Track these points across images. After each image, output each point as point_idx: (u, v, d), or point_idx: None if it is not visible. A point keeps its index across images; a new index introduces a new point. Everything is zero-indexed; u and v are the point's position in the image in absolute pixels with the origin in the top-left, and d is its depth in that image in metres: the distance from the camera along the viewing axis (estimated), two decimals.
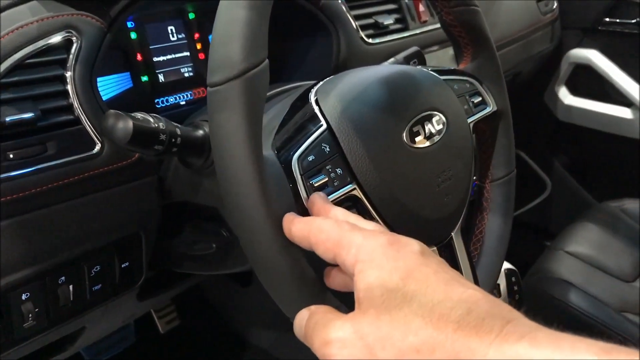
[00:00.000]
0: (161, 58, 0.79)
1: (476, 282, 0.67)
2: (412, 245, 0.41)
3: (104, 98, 0.73)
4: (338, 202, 0.53)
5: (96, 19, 0.63)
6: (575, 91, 1.69)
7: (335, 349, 0.38)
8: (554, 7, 1.58)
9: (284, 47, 0.93)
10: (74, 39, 0.61)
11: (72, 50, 0.61)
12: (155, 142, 0.55)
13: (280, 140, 0.53)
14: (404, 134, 0.58)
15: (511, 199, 0.76)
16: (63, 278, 0.62)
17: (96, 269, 0.65)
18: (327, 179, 0.52)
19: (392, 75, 0.62)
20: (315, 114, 0.56)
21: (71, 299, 0.63)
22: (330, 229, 0.43)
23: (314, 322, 0.41)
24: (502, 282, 0.97)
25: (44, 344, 0.69)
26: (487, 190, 0.76)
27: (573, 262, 1.27)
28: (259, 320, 1.32)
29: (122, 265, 0.68)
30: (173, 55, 0.81)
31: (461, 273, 0.64)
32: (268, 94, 0.70)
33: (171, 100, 0.81)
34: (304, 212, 0.50)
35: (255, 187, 0.45)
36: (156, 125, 0.55)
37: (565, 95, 1.70)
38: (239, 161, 0.45)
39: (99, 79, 0.72)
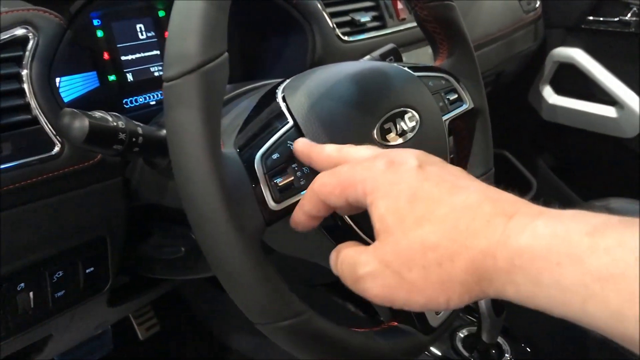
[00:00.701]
0: (129, 57, 0.77)
1: None
2: (409, 160, 0.42)
3: (70, 98, 0.71)
4: None
5: (55, 14, 0.61)
6: (559, 90, 1.68)
7: (369, 283, 0.40)
8: (537, 5, 1.57)
9: (258, 45, 0.91)
10: (30, 35, 0.58)
11: (29, 47, 0.58)
12: (114, 141, 0.53)
13: (244, 138, 0.51)
14: (375, 131, 0.56)
15: None
16: (22, 285, 0.59)
17: (58, 274, 0.62)
18: (292, 177, 0.50)
19: (363, 71, 0.60)
20: (282, 111, 0.54)
21: (32, 306, 0.61)
22: (329, 179, 0.44)
23: (341, 264, 0.43)
24: None
25: (6, 353, 0.66)
26: None
27: None
28: (240, 324, 1.29)
29: (87, 271, 0.65)
30: (142, 54, 0.79)
31: None
32: (237, 91, 0.68)
33: (140, 100, 0.79)
34: (266, 211, 0.48)
35: (212, 187, 0.43)
36: (115, 124, 0.52)
37: (549, 95, 1.69)
38: (194, 159, 0.43)
39: (63, 79, 0.70)
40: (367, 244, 0.54)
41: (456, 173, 0.42)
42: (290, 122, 0.53)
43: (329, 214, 0.47)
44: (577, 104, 1.63)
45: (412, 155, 0.43)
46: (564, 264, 0.32)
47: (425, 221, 0.38)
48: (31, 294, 0.60)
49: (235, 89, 0.71)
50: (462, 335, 1.08)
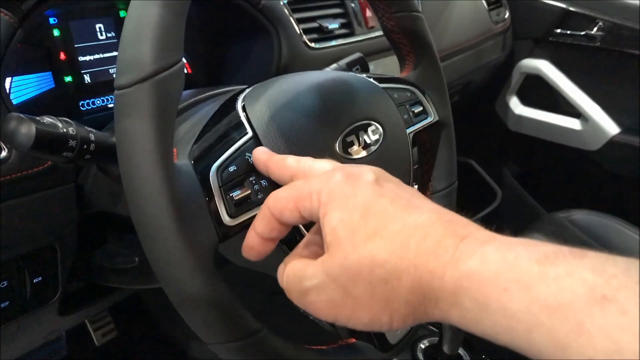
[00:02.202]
0: (87, 58, 0.74)
1: None
2: (366, 175, 0.42)
3: (23, 98, 0.68)
4: None
5: (4, 12, 0.58)
6: (525, 101, 1.70)
7: (313, 297, 0.40)
8: (506, 16, 1.58)
9: (221, 50, 0.89)
10: None
11: None
12: (64, 148, 0.50)
13: (200, 149, 0.49)
14: (337, 144, 0.55)
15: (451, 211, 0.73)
16: None
17: (3, 284, 0.60)
18: (249, 191, 0.48)
19: (326, 82, 0.59)
20: (241, 121, 0.52)
21: None
22: (284, 192, 0.43)
23: (287, 277, 0.42)
24: None
25: None
26: None
27: None
28: None
29: (35, 280, 0.63)
30: (101, 55, 0.76)
31: None
32: (198, 97, 0.66)
33: (98, 102, 0.76)
34: (221, 227, 0.46)
35: (161, 201, 0.41)
36: (64, 130, 0.50)
37: (515, 105, 1.71)
38: (144, 172, 0.41)
39: (16, 78, 0.67)
40: None
41: (412, 192, 0.42)
42: (250, 133, 0.51)
43: (283, 236, 0.46)
44: (542, 115, 1.65)
45: (370, 171, 0.42)
46: (511, 290, 0.31)
47: (376, 236, 0.37)
48: None
49: (197, 94, 0.69)
50: (423, 347, 1.07)
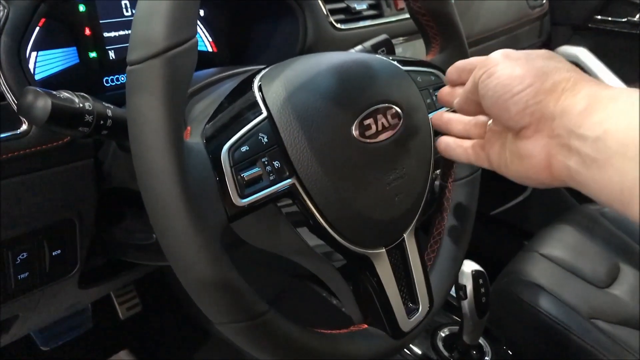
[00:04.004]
0: (112, 34, 0.74)
1: (428, 286, 0.63)
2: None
3: (48, 73, 0.68)
4: (274, 198, 0.49)
5: None
6: None
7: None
8: (544, 1, 1.54)
9: (247, 29, 0.88)
10: (0, 7, 0.56)
11: None
12: (80, 123, 0.50)
13: (213, 129, 0.49)
14: (353, 127, 0.54)
15: (473, 200, 0.72)
16: None
17: (22, 256, 0.61)
18: (261, 171, 0.48)
19: (346, 63, 0.58)
20: (256, 101, 0.51)
21: None
22: (458, 66, 0.57)
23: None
24: (468, 284, 0.93)
25: None
26: (449, 189, 0.72)
27: (546, 265, 1.24)
28: None
29: (54, 253, 0.64)
30: (126, 31, 0.76)
31: (412, 277, 0.61)
32: (218, 76, 0.66)
33: (122, 78, 0.76)
34: (230, 207, 0.46)
35: (170, 180, 0.41)
36: (81, 105, 0.50)
37: None
38: (153, 150, 0.41)
39: (41, 53, 0.67)
40: (338, 243, 0.53)
41: None
42: (264, 114, 0.50)
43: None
44: None
45: None
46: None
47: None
48: None
49: (218, 73, 0.68)
50: (443, 335, 1.06)
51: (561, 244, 1.30)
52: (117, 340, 1.35)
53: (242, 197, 0.47)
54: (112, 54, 0.75)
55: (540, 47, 1.57)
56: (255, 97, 0.51)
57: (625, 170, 0.38)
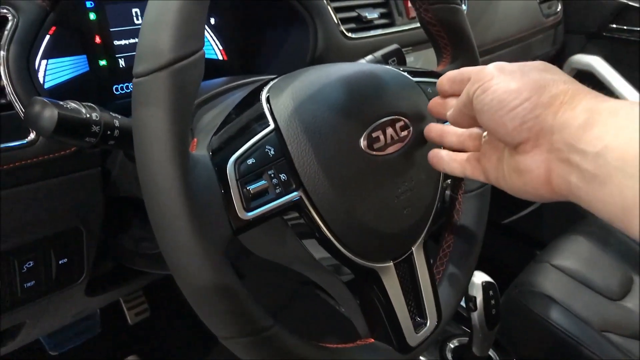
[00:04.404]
0: (123, 42, 0.75)
1: (437, 300, 0.62)
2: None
3: (57, 81, 0.68)
4: (280, 211, 0.49)
5: None
6: None
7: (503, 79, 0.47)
8: (558, 9, 1.53)
9: (257, 38, 0.88)
10: (9, 16, 0.56)
11: (7, 28, 0.56)
12: (86, 134, 0.50)
13: (219, 141, 0.48)
14: (361, 139, 0.53)
15: (484, 212, 0.71)
16: None
17: (29, 264, 0.61)
18: (267, 184, 0.48)
19: (355, 74, 0.57)
20: (264, 112, 0.51)
21: None
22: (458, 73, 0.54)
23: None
24: (479, 295, 0.92)
25: None
26: (460, 201, 0.71)
27: (558, 276, 1.22)
28: None
29: (60, 262, 0.63)
30: (136, 40, 0.75)
31: (420, 291, 0.60)
32: (224, 87, 0.65)
33: (132, 87, 0.76)
34: (235, 220, 0.46)
35: (174, 193, 0.41)
36: (87, 115, 0.50)
37: None
38: (158, 162, 0.41)
39: (51, 61, 0.67)
40: (345, 256, 0.52)
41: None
42: (271, 125, 0.50)
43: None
44: None
45: None
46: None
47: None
48: None
49: (227, 83, 0.68)
50: (452, 346, 1.05)
51: (573, 255, 1.28)
52: (125, 345, 1.35)
53: (248, 210, 0.46)
54: (122, 62, 0.75)
55: (553, 56, 1.56)
56: (262, 109, 0.51)
57: (625, 188, 0.37)
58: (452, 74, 0.54)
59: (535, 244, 1.78)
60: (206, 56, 0.86)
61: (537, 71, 0.45)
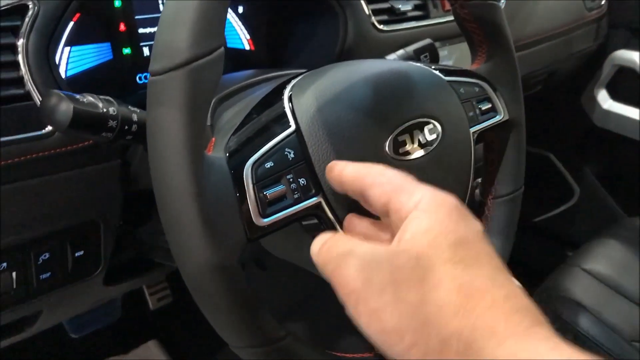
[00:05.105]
0: (147, 30, 0.73)
1: None
2: (477, 223, 0.38)
3: (80, 69, 0.67)
4: (299, 217, 0.47)
5: None
6: (615, 96, 1.57)
7: (349, 269, 0.36)
8: (602, 2, 1.46)
9: (286, 29, 0.85)
10: (30, 4, 0.54)
11: (28, 16, 0.54)
12: (103, 129, 0.49)
13: (237, 142, 0.46)
14: (386, 144, 0.51)
15: (514, 219, 0.68)
16: (4, 264, 0.57)
17: (45, 256, 0.60)
18: (285, 189, 0.45)
19: (383, 73, 0.54)
20: (285, 112, 0.49)
21: (14, 286, 0.58)
22: (394, 174, 0.41)
23: (332, 243, 0.39)
24: None
25: None
26: (489, 207, 0.68)
27: (589, 282, 1.18)
28: None
29: (76, 254, 0.63)
30: None
31: None
32: (248, 82, 0.63)
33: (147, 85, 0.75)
34: (250, 227, 0.44)
35: (187, 197, 0.39)
36: (104, 110, 0.49)
37: (604, 99, 1.58)
38: (171, 165, 0.39)
39: (74, 48, 0.66)
40: None
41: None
42: (292, 127, 0.48)
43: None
44: (633, 112, 1.52)
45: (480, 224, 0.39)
46: None
47: (456, 270, 0.33)
48: (14, 274, 0.58)
49: (252, 77, 0.66)
50: None
51: (605, 259, 1.24)
52: (146, 330, 1.35)
53: (264, 216, 0.44)
54: (146, 51, 0.73)
55: (595, 51, 1.50)
56: (284, 108, 0.49)
57: None
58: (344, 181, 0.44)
59: (568, 244, 1.73)
60: (233, 46, 0.85)
61: (413, 285, 0.33)
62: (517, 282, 0.35)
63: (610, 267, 1.22)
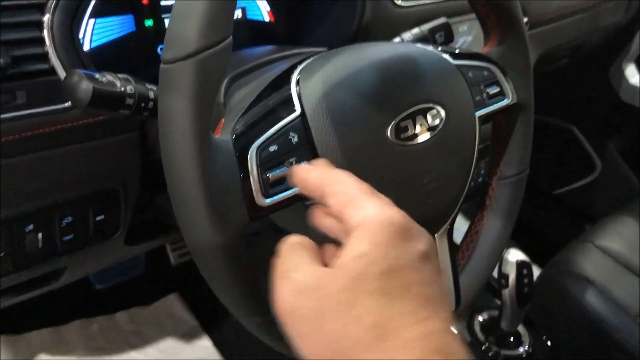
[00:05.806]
0: (169, 2, 0.75)
1: (457, 287, 0.63)
2: (420, 244, 0.37)
3: (104, 40, 0.70)
4: (299, 199, 0.49)
5: None
6: None
7: (288, 285, 0.37)
8: None
9: (301, 5, 0.86)
10: None
11: None
12: (121, 106, 0.52)
13: (244, 125, 0.49)
14: (389, 129, 0.52)
15: (517, 201, 0.70)
16: (31, 226, 0.61)
17: (68, 219, 0.64)
18: (288, 172, 0.48)
19: (391, 58, 0.56)
20: (291, 96, 0.51)
21: (40, 246, 0.63)
22: (351, 185, 0.41)
23: (290, 249, 0.40)
24: (512, 273, 0.92)
25: (20, 280, 0.70)
26: (493, 188, 0.70)
27: (600, 258, 1.19)
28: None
29: (97, 219, 0.67)
30: None
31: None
32: (262, 60, 0.66)
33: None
34: (253, 207, 0.47)
35: (194, 178, 0.43)
36: (122, 89, 0.52)
37: (632, 74, 1.56)
38: (179, 150, 0.43)
39: (99, 20, 0.69)
40: None
41: (441, 292, 0.37)
42: (298, 111, 0.50)
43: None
44: None
45: (426, 242, 0.38)
46: None
47: (372, 301, 0.34)
48: (40, 235, 0.62)
49: (270, 54, 0.68)
50: (481, 319, 1.05)
51: (619, 237, 1.24)
52: (168, 283, 1.41)
53: (266, 196, 0.47)
54: (167, 23, 0.75)
55: (625, 25, 1.47)
56: (290, 93, 0.51)
57: None
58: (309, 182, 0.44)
59: (587, 218, 1.73)
60: (253, 17, 0.86)
61: (336, 319, 0.34)
62: (447, 312, 0.36)
63: (623, 244, 1.22)
